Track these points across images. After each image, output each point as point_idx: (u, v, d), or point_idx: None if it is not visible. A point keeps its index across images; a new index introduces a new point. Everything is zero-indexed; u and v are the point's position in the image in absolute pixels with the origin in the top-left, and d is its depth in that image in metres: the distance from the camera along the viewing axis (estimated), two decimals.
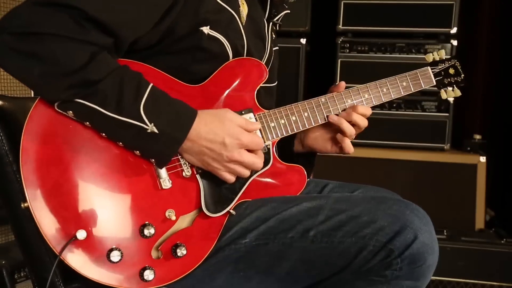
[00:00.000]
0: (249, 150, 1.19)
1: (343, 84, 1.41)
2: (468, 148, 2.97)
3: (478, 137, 3.01)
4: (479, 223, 2.83)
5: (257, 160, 1.20)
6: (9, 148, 1.17)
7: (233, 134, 1.16)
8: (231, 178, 1.19)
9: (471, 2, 3.13)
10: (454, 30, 2.87)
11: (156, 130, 1.08)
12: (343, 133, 1.37)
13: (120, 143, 1.12)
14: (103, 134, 1.11)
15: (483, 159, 2.82)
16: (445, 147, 2.93)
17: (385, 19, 2.94)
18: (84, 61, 1.03)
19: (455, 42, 2.86)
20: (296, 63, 3.06)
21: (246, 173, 1.20)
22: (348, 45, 2.99)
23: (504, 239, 2.61)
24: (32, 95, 2.30)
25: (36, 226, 1.07)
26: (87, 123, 1.09)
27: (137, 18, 1.12)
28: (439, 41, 2.90)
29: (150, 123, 1.08)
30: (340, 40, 2.99)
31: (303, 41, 3.05)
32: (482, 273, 2.54)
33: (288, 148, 1.49)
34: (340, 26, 2.99)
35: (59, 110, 1.09)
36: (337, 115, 1.37)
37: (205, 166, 1.17)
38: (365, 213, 1.17)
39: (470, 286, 2.56)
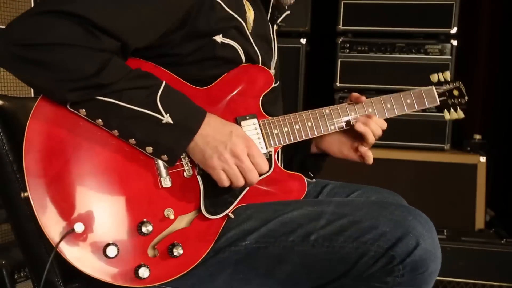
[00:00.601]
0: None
1: (363, 98, 1.42)
2: (468, 148, 2.97)
3: (478, 137, 3.01)
4: (479, 223, 2.83)
5: (254, 171, 1.17)
6: (9, 148, 1.17)
7: (240, 133, 1.17)
8: (225, 180, 1.16)
9: (471, 2, 3.13)
10: (454, 30, 2.87)
11: (171, 121, 1.10)
12: (364, 140, 1.38)
13: (133, 139, 1.12)
14: (115, 131, 1.11)
15: (483, 159, 2.82)
16: (445, 147, 2.93)
17: (385, 19, 2.94)
18: (96, 69, 1.04)
19: (455, 42, 2.86)
20: (296, 63, 3.06)
21: (241, 180, 1.16)
22: (348, 45, 2.98)
23: (504, 239, 2.60)
24: (33, 95, 2.30)
25: (35, 217, 1.06)
26: (99, 120, 1.10)
27: (142, 26, 1.12)
28: (439, 41, 2.90)
29: (166, 114, 1.09)
30: (340, 40, 2.99)
31: (303, 41, 3.05)
32: (482, 273, 2.54)
33: (301, 150, 1.50)
34: (340, 26, 2.99)
35: (72, 110, 1.09)
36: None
37: (205, 158, 1.15)
38: (367, 218, 1.16)
39: (470, 286, 2.56)
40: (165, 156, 1.13)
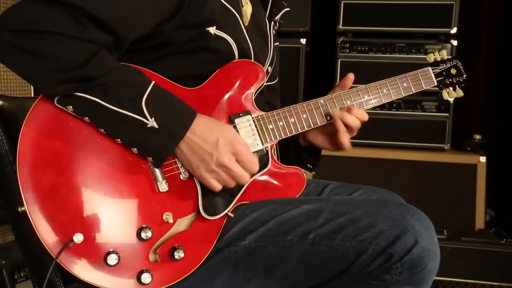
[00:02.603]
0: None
1: (351, 76, 1.40)
2: (468, 148, 2.97)
3: (478, 137, 3.01)
4: (479, 223, 2.83)
5: (246, 174, 1.17)
6: (9, 148, 1.17)
7: (228, 138, 1.16)
8: (217, 186, 1.16)
9: (471, 2, 3.13)
10: (454, 30, 2.87)
11: (156, 125, 1.08)
12: (336, 130, 1.35)
13: (119, 139, 1.11)
14: (102, 130, 1.11)
15: (483, 159, 2.82)
16: (445, 147, 2.94)
17: (385, 19, 2.94)
18: (84, 60, 1.04)
19: (455, 42, 2.86)
20: (296, 63, 3.06)
21: (231, 183, 1.17)
22: (348, 45, 2.98)
23: (504, 239, 2.61)
24: (32, 95, 2.30)
25: (34, 230, 1.06)
26: (86, 118, 1.09)
27: (136, 16, 1.12)
28: (439, 41, 2.90)
29: (151, 118, 1.08)
30: (340, 40, 2.99)
31: (303, 41, 3.05)
32: (482, 273, 2.54)
33: (294, 144, 1.49)
34: (340, 26, 2.99)
35: (59, 105, 1.09)
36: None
37: (192, 168, 1.15)
38: (365, 217, 1.16)
39: (470, 286, 2.56)
40: (151, 158, 1.13)
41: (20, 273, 1.99)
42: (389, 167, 2.90)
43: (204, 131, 1.14)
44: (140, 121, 1.08)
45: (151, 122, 1.08)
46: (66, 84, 1.05)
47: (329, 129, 1.40)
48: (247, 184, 1.24)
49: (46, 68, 1.04)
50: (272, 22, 1.44)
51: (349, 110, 1.35)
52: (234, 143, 1.16)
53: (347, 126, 1.35)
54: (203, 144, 1.13)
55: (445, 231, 2.64)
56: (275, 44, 1.49)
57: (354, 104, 1.38)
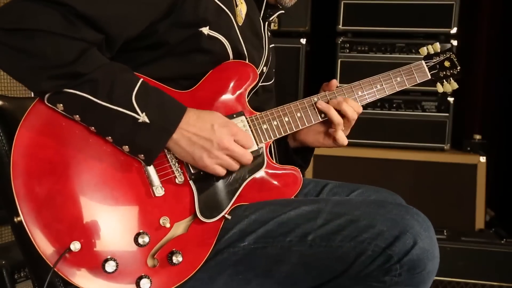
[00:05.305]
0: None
1: (334, 82, 1.39)
2: (468, 148, 2.97)
3: (478, 137, 3.01)
4: (479, 223, 2.83)
5: (247, 153, 1.19)
6: (9, 148, 1.17)
7: (221, 122, 1.16)
8: (221, 171, 1.17)
9: (471, 2, 3.13)
10: (454, 30, 2.87)
11: (147, 120, 1.08)
12: (331, 122, 1.35)
13: (110, 137, 1.11)
14: (92, 128, 1.11)
15: (483, 159, 2.82)
16: (445, 147, 2.93)
17: (385, 19, 2.94)
18: (73, 57, 1.04)
19: (455, 42, 2.86)
20: (296, 63, 3.06)
21: (235, 166, 1.18)
22: (348, 45, 2.98)
23: (504, 239, 2.61)
24: (33, 95, 2.30)
25: (30, 240, 1.06)
26: (77, 116, 1.09)
27: (127, 15, 1.12)
28: (439, 41, 2.88)
29: (142, 113, 1.08)
30: (340, 40, 2.99)
31: (303, 41, 3.05)
32: (482, 273, 2.54)
33: (283, 145, 1.49)
34: (340, 26, 2.99)
35: (49, 104, 1.09)
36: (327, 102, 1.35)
37: (195, 159, 1.15)
38: (364, 217, 1.16)
39: (470, 286, 2.56)
40: (142, 155, 1.12)
41: (20, 273, 2.00)
42: (389, 167, 2.90)
43: (198, 121, 1.14)
44: (131, 116, 1.08)
45: (142, 117, 1.08)
46: (54, 80, 1.05)
47: (323, 127, 1.40)
48: (243, 186, 1.24)
49: (35, 65, 1.04)
50: (267, 23, 1.44)
51: (346, 100, 1.35)
52: (228, 125, 1.17)
53: (343, 116, 1.34)
54: (199, 132, 1.14)
55: (445, 231, 2.64)
56: (271, 45, 1.48)
57: None
